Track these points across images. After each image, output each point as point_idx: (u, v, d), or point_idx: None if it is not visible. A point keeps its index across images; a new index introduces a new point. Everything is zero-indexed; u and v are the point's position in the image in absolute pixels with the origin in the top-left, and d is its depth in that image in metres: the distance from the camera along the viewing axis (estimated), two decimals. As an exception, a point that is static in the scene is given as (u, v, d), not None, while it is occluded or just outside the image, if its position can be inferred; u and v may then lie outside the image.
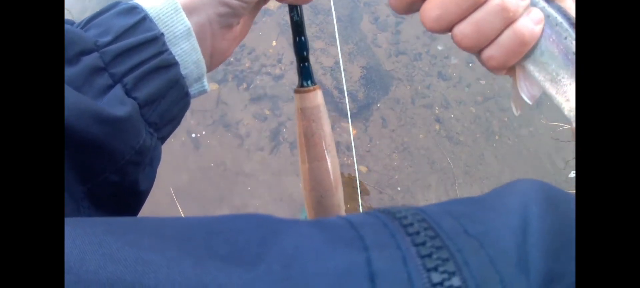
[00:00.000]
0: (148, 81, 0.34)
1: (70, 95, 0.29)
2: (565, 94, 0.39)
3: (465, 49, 0.38)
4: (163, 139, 0.40)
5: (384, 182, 1.55)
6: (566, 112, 0.41)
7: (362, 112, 1.65)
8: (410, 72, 1.76)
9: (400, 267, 0.22)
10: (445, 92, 1.75)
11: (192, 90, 0.40)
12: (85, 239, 0.20)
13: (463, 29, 0.36)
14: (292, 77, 1.69)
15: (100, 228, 0.22)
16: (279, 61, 1.71)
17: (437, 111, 1.71)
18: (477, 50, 0.38)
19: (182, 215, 1.42)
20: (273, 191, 1.51)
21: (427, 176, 1.59)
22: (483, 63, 0.39)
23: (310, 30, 1.79)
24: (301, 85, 0.45)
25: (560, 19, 0.38)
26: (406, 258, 0.23)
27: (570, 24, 0.38)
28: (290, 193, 1.50)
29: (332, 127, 1.57)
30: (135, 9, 0.34)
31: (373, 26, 1.84)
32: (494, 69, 0.39)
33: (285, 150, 1.57)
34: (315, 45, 1.75)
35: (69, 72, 0.30)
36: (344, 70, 1.71)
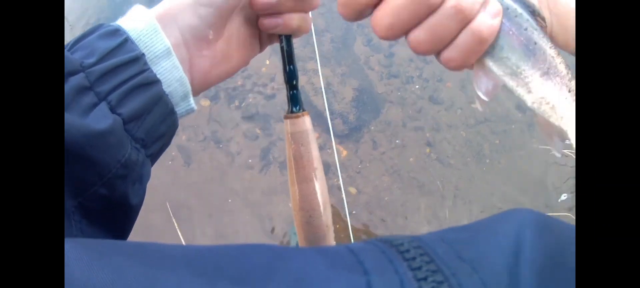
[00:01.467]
0: (131, 98, 0.35)
1: None
2: (527, 86, 0.38)
3: (421, 53, 0.37)
4: (153, 157, 0.40)
5: (374, 204, 1.55)
6: (529, 104, 0.39)
7: (353, 133, 1.66)
8: (402, 95, 1.78)
9: None
10: (437, 116, 1.77)
11: (179, 109, 0.41)
12: (93, 255, 0.21)
13: (418, 35, 0.36)
14: (284, 97, 1.69)
15: (108, 248, 0.22)
16: (272, 80, 1.72)
17: (428, 134, 1.72)
18: (435, 53, 0.38)
19: (178, 230, 1.42)
20: (262, 210, 1.51)
21: (416, 199, 1.59)
22: (443, 64, 0.38)
23: (305, 52, 1.80)
24: (291, 111, 0.48)
25: (519, 9, 0.37)
26: (404, 281, 0.24)
27: (530, 12, 0.37)
28: (279, 212, 1.50)
29: (323, 148, 1.58)
30: (117, 31, 0.36)
31: (366, 48, 1.86)
32: (455, 69, 0.38)
33: (275, 170, 1.57)
34: (307, 66, 1.76)
35: None
36: (336, 92, 1.72)
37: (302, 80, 1.73)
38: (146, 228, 1.41)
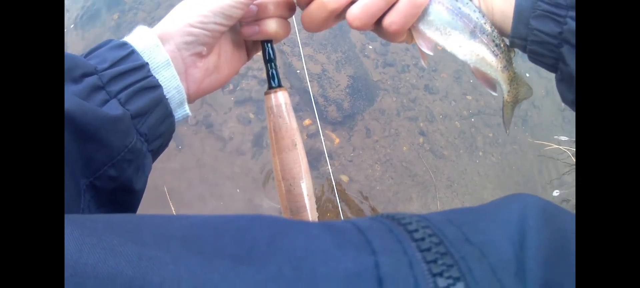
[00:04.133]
0: (137, 98, 0.41)
1: (76, 100, 0.36)
2: (456, 42, 0.48)
3: (358, 28, 0.45)
4: (154, 153, 0.46)
5: (365, 192, 1.55)
6: (461, 57, 0.49)
7: (346, 121, 1.65)
8: (397, 84, 1.77)
9: (407, 271, 0.23)
10: (431, 106, 1.76)
11: (177, 114, 0.47)
12: (84, 232, 0.20)
13: (353, 10, 0.45)
14: (279, 82, 1.68)
15: (100, 225, 0.21)
16: (266, 65, 1.71)
17: (421, 124, 1.71)
18: (372, 24, 0.46)
19: (174, 213, 1.41)
20: (254, 197, 1.50)
21: (408, 188, 1.59)
22: (385, 30, 0.46)
23: (299, 36, 1.78)
24: (270, 87, 0.52)
25: None
26: (412, 263, 0.24)
27: None
28: (271, 199, 1.49)
29: (317, 135, 1.57)
30: (125, 44, 0.42)
31: (362, 36, 1.84)
32: (396, 33, 0.46)
33: (267, 156, 1.56)
34: (304, 51, 1.75)
35: (75, 88, 0.37)
36: (331, 78, 1.71)
37: (298, 66, 1.72)
38: (142, 209, 1.39)
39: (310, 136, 1.60)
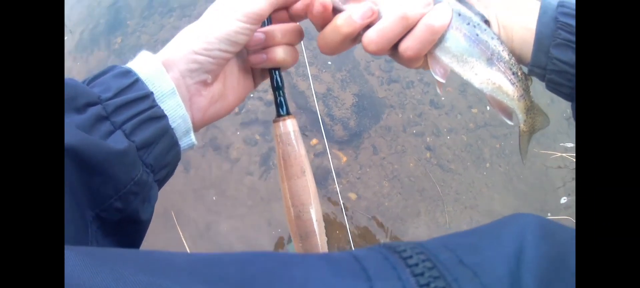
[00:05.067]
0: (143, 129, 0.40)
1: (80, 135, 0.35)
2: (473, 70, 0.47)
3: (373, 52, 0.45)
4: (159, 183, 0.45)
5: (374, 209, 1.55)
6: (477, 85, 0.48)
7: (353, 139, 1.66)
8: (402, 100, 1.77)
9: None
10: (437, 120, 1.76)
11: (182, 143, 0.46)
12: (96, 262, 0.21)
13: (369, 34, 0.44)
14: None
15: (112, 256, 0.23)
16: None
17: (428, 139, 1.72)
18: (388, 49, 0.45)
19: (181, 235, 1.42)
20: (262, 216, 1.50)
21: (416, 204, 1.59)
22: (401, 55, 0.45)
23: (305, 56, 1.80)
24: (278, 115, 0.51)
25: (466, 11, 0.45)
26: (406, 287, 0.25)
27: (475, 13, 0.45)
28: (279, 219, 1.49)
29: (324, 154, 1.58)
30: (129, 72, 0.41)
31: (366, 53, 1.85)
32: (411, 59, 0.45)
33: (274, 176, 1.57)
34: (309, 71, 1.76)
35: (78, 119, 0.37)
36: (336, 97, 1.72)
37: (303, 86, 1.74)
38: (149, 233, 1.40)
39: (317, 155, 1.61)
